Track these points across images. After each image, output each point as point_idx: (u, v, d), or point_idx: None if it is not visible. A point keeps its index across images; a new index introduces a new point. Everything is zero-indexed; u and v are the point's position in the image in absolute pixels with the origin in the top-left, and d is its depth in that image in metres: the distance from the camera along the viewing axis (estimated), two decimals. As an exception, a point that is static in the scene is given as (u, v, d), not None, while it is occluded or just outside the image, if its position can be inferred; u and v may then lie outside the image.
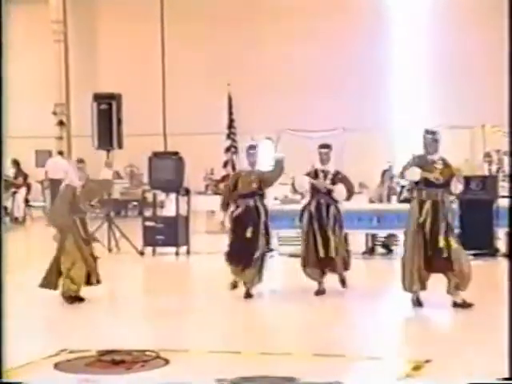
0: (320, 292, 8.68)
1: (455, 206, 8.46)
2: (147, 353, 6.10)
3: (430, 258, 7.74)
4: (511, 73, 3.35)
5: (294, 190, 9.26)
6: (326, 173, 8.68)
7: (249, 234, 8.56)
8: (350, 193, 8.81)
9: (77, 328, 7.51)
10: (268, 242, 8.87)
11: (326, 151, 8.74)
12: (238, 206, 8.75)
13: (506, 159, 14.20)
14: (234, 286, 8.78)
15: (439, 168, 7.80)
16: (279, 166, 8.76)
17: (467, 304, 7.69)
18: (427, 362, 5.89)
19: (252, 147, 8.98)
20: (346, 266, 8.86)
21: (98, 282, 8.86)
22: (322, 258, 8.61)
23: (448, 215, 7.81)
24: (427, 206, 7.75)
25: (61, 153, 20.59)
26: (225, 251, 8.89)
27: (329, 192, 8.62)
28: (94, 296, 9.47)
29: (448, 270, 7.69)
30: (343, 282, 8.84)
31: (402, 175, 8.15)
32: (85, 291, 9.06)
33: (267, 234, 8.79)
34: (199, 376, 5.43)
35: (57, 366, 5.89)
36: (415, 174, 7.77)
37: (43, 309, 8.38)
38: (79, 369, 5.79)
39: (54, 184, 19.70)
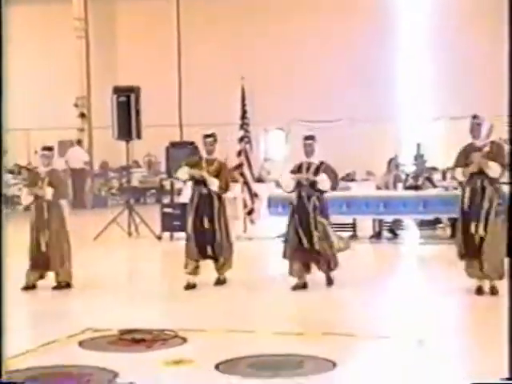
0: (298, 287, 8.08)
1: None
2: (166, 332, 6.12)
3: (467, 244, 7.46)
4: (511, 68, 3.18)
5: (282, 189, 8.76)
6: (309, 165, 8.12)
7: (206, 224, 8.21)
8: (334, 182, 8.20)
9: (99, 308, 7.54)
10: (227, 231, 8.42)
11: (309, 142, 8.16)
12: (193, 192, 8.38)
13: (506, 147, 14.06)
14: (191, 286, 8.29)
15: (484, 154, 7.37)
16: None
17: (496, 291, 7.43)
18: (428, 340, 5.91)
19: (207, 136, 8.45)
20: (330, 264, 8.12)
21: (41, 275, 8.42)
22: (306, 249, 8.04)
23: (493, 202, 7.37)
24: (467, 193, 7.48)
25: (79, 142, 20.62)
26: (186, 245, 8.39)
27: (312, 184, 8.06)
28: (114, 278, 9.54)
29: (477, 256, 7.41)
30: (329, 279, 8.20)
31: (453, 171, 7.83)
32: (104, 274, 9.07)
33: (224, 221, 8.37)
34: (215, 353, 5.44)
35: (81, 344, 5.93)
36: (459, 174, 7.59)
37: (66, 291, 8.38)
38: (102, 347, 5.82)
39: (74, 172, 19.81)
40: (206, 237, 8.27)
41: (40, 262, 8.33)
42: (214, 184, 8.26)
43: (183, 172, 8.45)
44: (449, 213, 10.98)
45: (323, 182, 8.03)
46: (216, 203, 8.31)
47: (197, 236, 8.31)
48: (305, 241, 8.03)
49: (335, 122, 21.10)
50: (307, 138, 8.26)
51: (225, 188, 8.40)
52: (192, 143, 13.33)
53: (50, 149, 8.67)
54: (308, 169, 8.11)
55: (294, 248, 8.11)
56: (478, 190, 7.43)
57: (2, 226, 3.02)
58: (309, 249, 8.05)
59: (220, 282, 8.47)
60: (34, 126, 22.58)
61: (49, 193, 8.32)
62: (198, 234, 8.30)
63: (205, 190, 8.28)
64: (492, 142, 7.56)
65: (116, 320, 6.65)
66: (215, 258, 8.39)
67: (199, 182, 8.31)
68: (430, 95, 21.33)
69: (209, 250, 8.29)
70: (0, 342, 2.99)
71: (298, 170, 8.20)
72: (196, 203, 8.32)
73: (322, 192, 8.13)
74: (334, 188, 8.31)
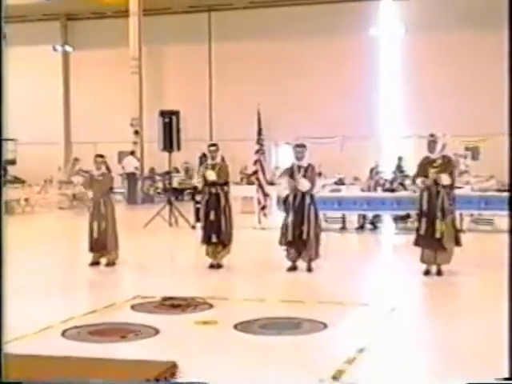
0: (292, 269, 7.75)
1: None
2: (197, 299, 6.12)
3: (425, 238, 7.33)
4: (511, 78, 2.93)
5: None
6: (300, 167, 7.76)
7: (212, 217, 7.93)
8: (313, 184, 7.77)
9: (146, 281, 7.57)
10: (230, 222, 8.05)
11: (300, 150, 7.82)
12: (205, 193, 8.09)
13: (462, 160, 14.15)
14: (215, 266, 8.04)
15: (437, 165, 7.24)
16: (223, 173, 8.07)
17: (442, 272, 7.38)
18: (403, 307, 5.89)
19: (211, 145, 8.21)
20: (317, 252, 7.74)
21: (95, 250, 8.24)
22: (296, 240, 7.66)
23: (444, 203, 7.22)
24: (424, 196, 7.35)
25: (132, 153, 20.69)
26: (202, 235, 8.10)
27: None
28: (158, 258, 9.58)
29: (438, 248, 7.30)
30: (309, 266, 7.73)
31: (413, 181, 7.67)
32: (150, 255, 9.03)
33: (229, 215, 8.03)
34: (234, 316, 5.46)
35: (133, 307, 5.97)
36: (419, 183, 7.44)
37: (121, 267, 8.41)
38: (148, 310, 5.84)
39: (128, 176, 19.91)
40: (212, 227, 8.01)
41: (99, 246, 8.25)
42: (212, 175, 7.98)
43: (196, 180, 8.36)
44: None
45: (303, 185, 7.70)
46: (222, 200, 8.03)
47: (205, 226, 8.10)
48: (298, 232, 7.67)
49: (331, 138, 21.16)
50: (298, 145, 8.01)
51: (223, 176, 8.02)
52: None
53: (101, 156, 8.56)
54: (299, 171, 7.79)
55: (285, 238, 7.78)
56: (434, 194, 7.35)
57: (2, 225, 2.65)
58: (298, 240, 7.69)
59: (218, 266, 8.06)
60: (100, 139, 22.81)
61: (90, 194, 8.32)
62: (206, 224, 8.09)
63: (213, 190, 8.04)
64: (443, 156, 7.43)
65: (159, 290, 6.67)
66: (220, 244, 8.04)
67: (209, 184, 8.06)
68: (404, 119, 21.43)
69: (213, 238, 8.01)
70: (0, 341, 2.59)
71: (291, 171, 7.84)
72: (206, 200, 8.10)
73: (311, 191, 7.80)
74: (311, 189, 7.81)
